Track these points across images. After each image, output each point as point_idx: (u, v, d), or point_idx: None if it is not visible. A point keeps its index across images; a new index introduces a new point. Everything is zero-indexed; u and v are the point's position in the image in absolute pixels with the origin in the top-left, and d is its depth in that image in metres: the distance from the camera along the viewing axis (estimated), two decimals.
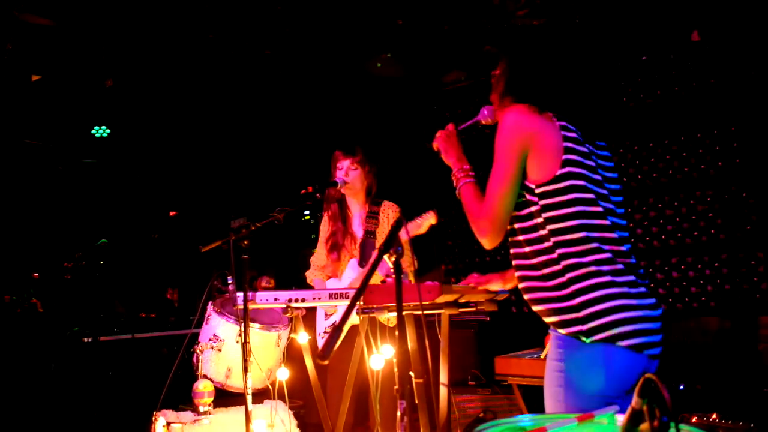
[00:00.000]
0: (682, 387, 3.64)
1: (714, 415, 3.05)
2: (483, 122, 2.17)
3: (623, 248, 1.83)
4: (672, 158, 4.55)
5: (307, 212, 6.43)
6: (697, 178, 4.43)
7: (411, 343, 2.64)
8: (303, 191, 3.18)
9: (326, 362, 1.52)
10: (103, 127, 5.86)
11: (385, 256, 1.82)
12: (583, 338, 1.73)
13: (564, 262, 1.77)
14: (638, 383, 1.74)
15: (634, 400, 1.05)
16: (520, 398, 3.43)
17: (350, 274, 3.53)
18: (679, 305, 4.43)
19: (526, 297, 1.89)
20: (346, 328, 3.26)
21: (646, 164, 4.65)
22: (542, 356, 3.27)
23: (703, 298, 4.34)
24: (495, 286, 2.38)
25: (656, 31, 4.52)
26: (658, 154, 4.61)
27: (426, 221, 3.18)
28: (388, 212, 3.61)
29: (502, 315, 4.18)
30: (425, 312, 2.60)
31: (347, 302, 2.71)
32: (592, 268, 1.75)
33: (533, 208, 1.82)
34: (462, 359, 4.34)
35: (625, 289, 1.75)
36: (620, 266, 1.78)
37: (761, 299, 4.10)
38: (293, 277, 3.84)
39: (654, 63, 4.63)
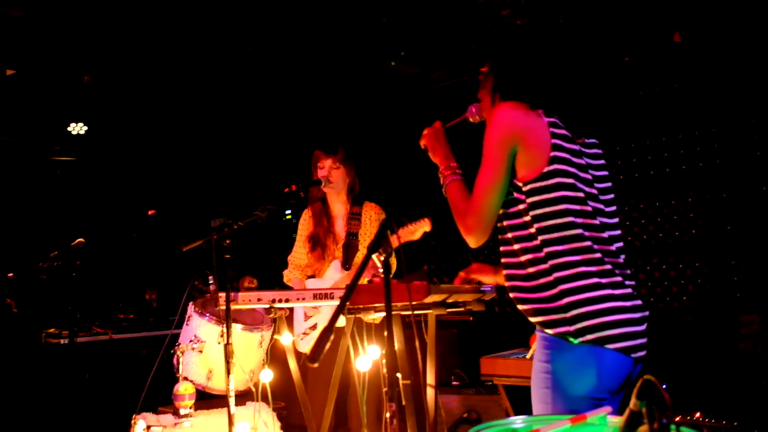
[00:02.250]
0: (665, 386, 3.65)
1: (697, 414, 3.07)
2: (470, 120, 2.15)
3: (612, 248, 1.81)
4: (653, 159, 4.58)
5: (288, 211, 6.37)
6: (678, 178, 4.46)
7: (398, 344, 2.61)
8: (286, 189, 3.13)
9: (316, 365, 1.48)
10: (80, 124, 5.75)
11: (374, 256, 1.79)
12: (571, 339, 1.71)
13: (551, 261, 1.75)
14: (623, 385, 1.74)
15: (632, 402, 1.03)
16: (506, 399, 3.42)
17: (333, 275, 3.49)
18: (661, 305, 4.46)
19: (511, 295, 1.87)
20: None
21: (628, 164, 4.68)
22: (528, 356, 3.26)
23: (684, 298, 4.38)
24: (487, 279, 2.35)
25: (639, 33, 4.55)
26: (640, 154, 4.64)
27: (420, 228, 3.07)
28: (371, 213, 3.58)
29: (485, 315, 4.16)
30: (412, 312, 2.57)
31: (331, 302, 2.68)
32: (580, 269, 1.73)
33: (521, 206, 1.80)
34: (445, 359, 4.34)
35: (611, 291, 1.73)
36: (608, 266, 1.76)
37: (742, 298, 4.14)
38: (276, 277, 3.79)
39: (636, 64, 4.67)
